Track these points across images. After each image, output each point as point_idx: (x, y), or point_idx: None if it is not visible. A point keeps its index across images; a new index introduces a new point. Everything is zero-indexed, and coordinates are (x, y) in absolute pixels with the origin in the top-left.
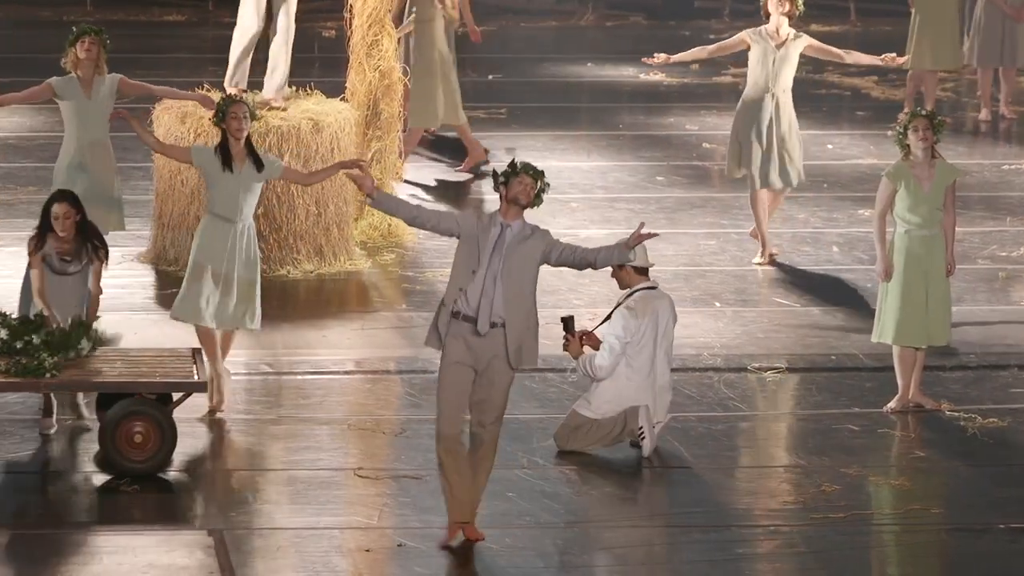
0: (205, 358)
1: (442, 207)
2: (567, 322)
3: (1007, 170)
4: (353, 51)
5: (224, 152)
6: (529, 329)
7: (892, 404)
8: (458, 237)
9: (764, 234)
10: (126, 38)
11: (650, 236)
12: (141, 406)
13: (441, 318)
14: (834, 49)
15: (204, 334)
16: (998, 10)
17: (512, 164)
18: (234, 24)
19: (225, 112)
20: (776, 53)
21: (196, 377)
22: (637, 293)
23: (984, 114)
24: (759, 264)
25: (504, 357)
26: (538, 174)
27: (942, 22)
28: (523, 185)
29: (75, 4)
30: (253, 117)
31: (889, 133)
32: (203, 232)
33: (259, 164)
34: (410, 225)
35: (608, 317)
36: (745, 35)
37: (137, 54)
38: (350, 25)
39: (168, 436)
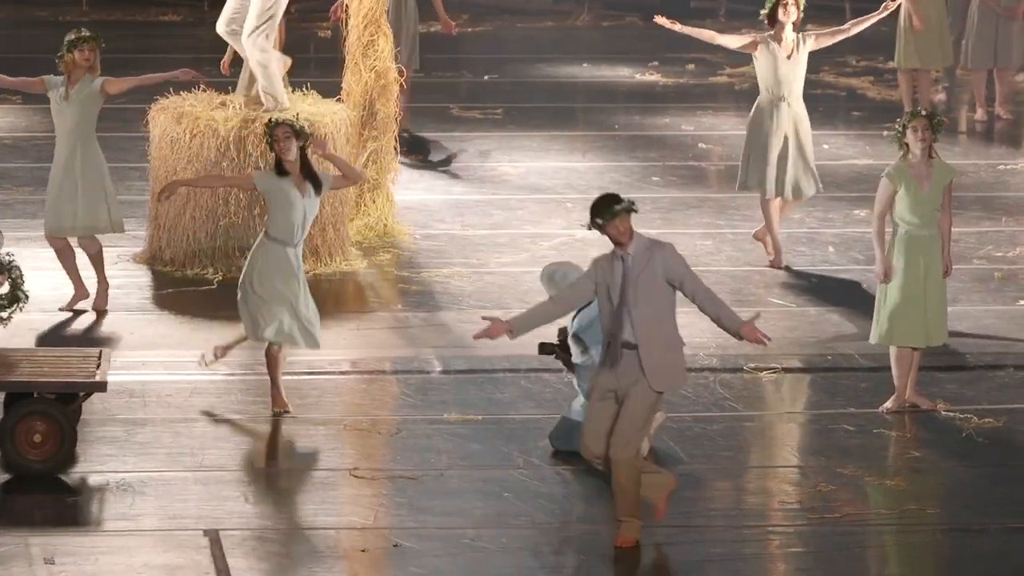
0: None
1: (568, 286)
2: (546, 348)
3: (1002, 170)
4: (349, 51)
5: (282, 174)
6: (671, 349)
7: (888, 404)
8: (598, 293)
9: (777, 241)
10: (122, 38)
11: (762, 342)
12: (40, 406)
13: (602, 367)
14: (837, 30)
15: (271, 355)
16: (992, 11)
17: (596, 209)
18: None
19: (272, 135)
20: (787, 62)
21: (97, 377)
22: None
23: (979, 114)
24: (771, 266)
25: (643, 380)
26: (614, 211)
27: (929, 21)
28: (614, 228)
29: (71, 4)
30: (299, 136)
31: (886, 133)
32: (269, 258)
33: (316, 184)
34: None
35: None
36: (757, 40)
37: (133, 54)
38: (346, 25)
39: (68, 436)
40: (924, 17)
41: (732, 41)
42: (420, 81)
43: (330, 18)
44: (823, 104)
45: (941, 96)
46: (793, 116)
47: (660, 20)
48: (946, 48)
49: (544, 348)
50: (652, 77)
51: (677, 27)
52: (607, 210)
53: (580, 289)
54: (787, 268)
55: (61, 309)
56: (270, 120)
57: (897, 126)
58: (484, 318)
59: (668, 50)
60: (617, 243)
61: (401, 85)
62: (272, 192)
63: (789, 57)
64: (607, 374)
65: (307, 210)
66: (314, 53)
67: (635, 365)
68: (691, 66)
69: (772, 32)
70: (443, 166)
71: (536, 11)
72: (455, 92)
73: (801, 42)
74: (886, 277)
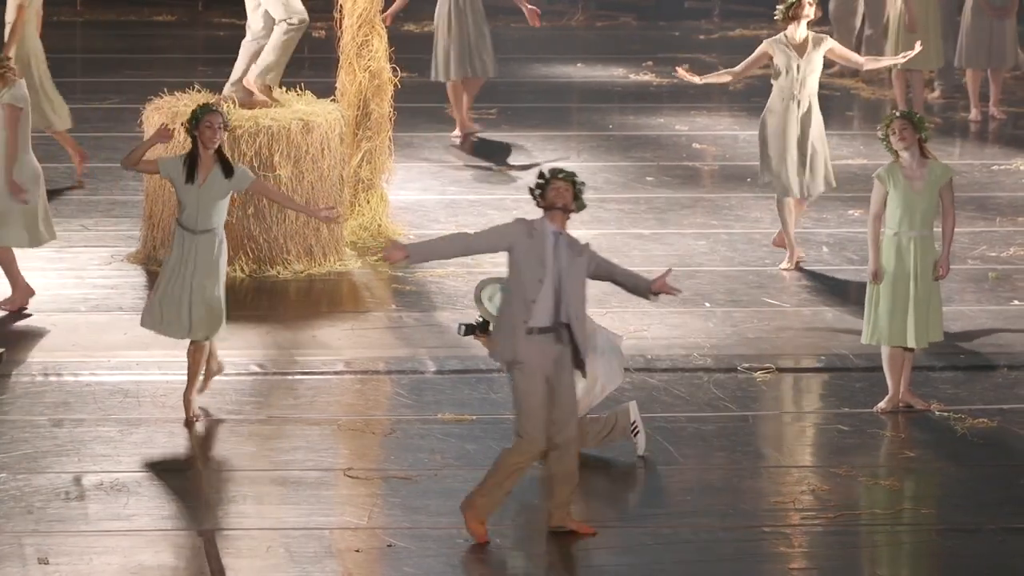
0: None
1: (478, 229)
2: (469, 328)
3: (996, 170)
4: (343, 51)
5: (191, 162)
6: (587, 338)
7: (882, 404)
8: (508, 251)
9: (791, 241)
10: (116, 38)
11: (673, 292)
12: None
13: (507, 333)
14: (854, 56)
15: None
16: (984, 11)
17: (541, 174)
18: (223, 25)
19: (199, 120)
20: (800, 60)
21: None
22: None
23: (974, 115)
24: (786, 270)
25: (571, 359)
26: (569, 176)
27: (923, 22)
28: (558, 190)
29: (65, 4)
30: (226, 128)
31: (880, 134)
32: (174, 242)
33: (228, 171)
34: (461, 257)
35: None
36: (766, 46)
37: (127, 54)
38: (340, 25)
39: None
40: (916, 18)
41: (749, 65)
42: (416, 82)
43: (385, 22)
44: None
45: (935, 95)
46: (808, 115)
47: (681, 72)
48: (937, 49)
49: (467, 329)
50: (646, 77)
51: (697, 80)
52: (555, 170)
53: (491, 240)
54: (798, 266)
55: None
56: (200, 105)
57: (879, 134)
58: (388, 240)
59: (662, 50)
60: (550, 207)
61: (396, 85)
62: (173, 177)
63: (802, 55)
64: (535, 356)
65: (202, 197)
66: (308, 53)
67: (566, 343)
68: (685, 66)
69: (786, 31)
70: (439, 167)
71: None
72: None
73: (815, 43)
74: (878, 278)
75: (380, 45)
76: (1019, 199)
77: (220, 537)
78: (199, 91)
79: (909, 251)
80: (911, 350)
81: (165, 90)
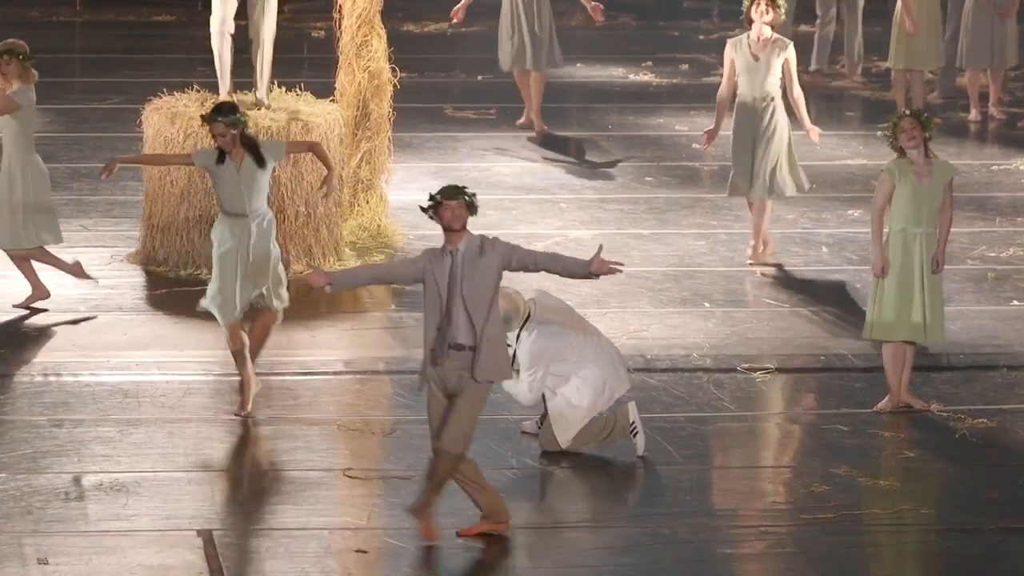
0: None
1: (400, 259)
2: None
3: (996, 170)
4: (342, 52)
5: (221, 151)
6: (498, 344)
7: (882, 404)
8: (422, 282)
9: (758, 235)
10: (115, 38)
11: (616, 271)
12: None
13: (425, 362)
14: (795, 78)
15: (233, 334)
16: (986, 11)
17: (431, 196)
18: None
19: (210, 131)
20: (755, 62)
21: None
22: (530, 313)
23: (973, 114)
24: (752, 264)
25: (469, 375)
26: (457, 191)
27: (922, 22)
28: (449, 210)
29: (64, 4)
30: (236, 124)
31: (879, 134)
32: (216, 230)
33: (260, 160)
34: (378, 285)
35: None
36: (728, 51)
37: (127, 55)
38: (339, 26)
39: None
40: (917, 18)
41: (726, 80)
42: (414, 81)
43: (451, 19)
44: (816, 104)
45: (934, 95)
46: (768, 116)
47: (705, 147)
48: (939, 48)
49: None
50: (646, 77)
51: (716, 134)
52: (447, 190)
53: (405, 270)
54: (779, 266)
55: (15, 306)
56: (204, 115)
57: (887, 131)
58: (309, 265)
59: (661, 50)
60: (447, 230)
61: (394, 86)
62: (209, 167)
63: (757, 59)
64: (433, 370)
65: (243, 182)
66: (308, 53)
67: (465, 363)
68: (685, 66)
69: (749, 32)
70: (435, 168)
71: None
72: (449, 92)
73: (774, 47)
74: (883, 272)
75: (379, 45)
76: (1019, 199)
77: (219, 537)
78: (198, 91)
79: (916, 248)
80: (913, 346)
81: (164, 90)
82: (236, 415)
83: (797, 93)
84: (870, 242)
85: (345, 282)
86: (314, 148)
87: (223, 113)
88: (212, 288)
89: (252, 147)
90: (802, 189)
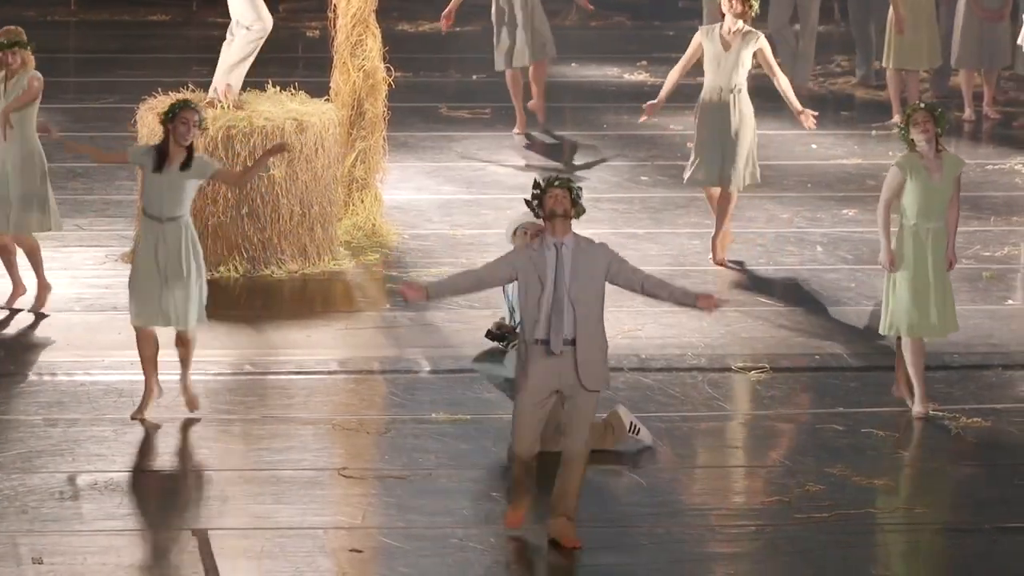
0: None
1: (491, 260)
2: (492, 335)
3: (991, 170)
4: (337, 51)
5: (161, 152)
6: (600, 350)
7: (918, 408)
8: (516, 279)
9: (722, 234)
10: (110, 38)
11: (719, 306)
12: None
13: (521, 354)
14: (774, 66)
15: (141, 336)
16: (975, 12)
17: (536, 183)
18: (217, 24)
19: (176, 114)
20: (724, 53)
21: None
22: None
23: (967, 114)
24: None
25: (578, 378)
26: (564, 182)
27: (917, 21)
28: (555, 198)
29: (60, 4)
30: (201, 127)
31: (874, 133)
32: (139, 232)
33: (188, 164)
34: (476, 291)
35: None
36: (698, 36)
37: (122, 54)
38: (334, 25)
39: None
40: (906, 18)
41: (688, 59)
42: (408, 81)
43: (442, 24)
44: (811, 104)
45: (927, 96)
46: (734, 108)
47: (644, 116)
48: (934, 47)
49: (491, 335)
50: (640, 76)
51: (661, 103)
52: (550, 178)
53: (498, 272)
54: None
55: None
56: (180, 100)
57: (899, 123)
58: (403, 283)
59: (656, 50)
60: (551, 217)
61: (389, 85)
62: (143, 165)
63: (727, 49)
64: (543, 373)
65: (167, 186)
66: (302, 53)
67: (571, 362)
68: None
69: (720, 24)
70: (432, 167)
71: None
72: (444, 92)
73: (746, 39)
74: (893, 266)
75: (374, 45)
76: (1013, 199)
77: (214, 536)
78: (193, 91)
79: (928, 242)
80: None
81: (159, 90)
82: (132, 418)
83: (782, 80)
84: (879, 236)
85: (442, 292)
86: (241, 185)
87: (193, 105)
88: (132, 293)
89: (189, 152)
90: (756, 181)
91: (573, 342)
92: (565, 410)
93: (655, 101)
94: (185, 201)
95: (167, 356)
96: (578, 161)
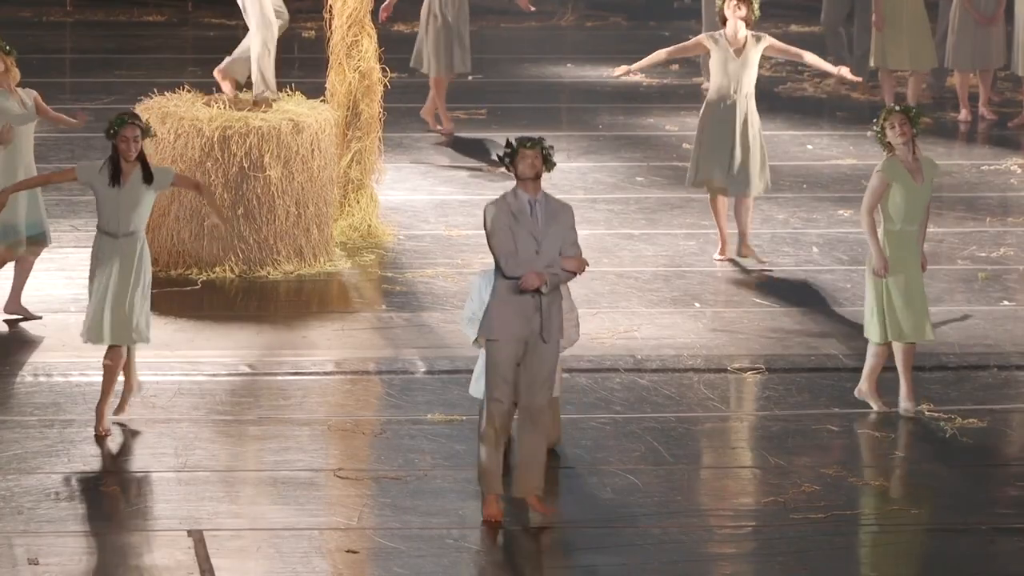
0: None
1: (494, 240)
2: None
3: (986, 171)
4: (333, 52)
5: (114, 166)
6: (557, 303)
7: (907, 406)
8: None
9: (724, 233)
10: (106, 38)
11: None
12: None
13: (493, 307)
14: (793, 49)
15: (109, 353)
16: (971, 16)
17: (508, 143)
18: (213, 25)
19: (116, 132)
20: (735, 59)
21: None
22: None
23: (963, 115)
24: (719, 260)
25: (540, 330)
26: (536, 143)
27: (911, 22)
28: (527, 159)
29: (55, 4)
30: (146, 134)
31: (869, 134)
32: (94, 248)
33: (148, 177)
34: None
35: None
36: (704, 39)
37: (117, 54)
38: (330, 26)
39: None
40: (884, 16)
41: (682, 49)
42: (405, 81)
43: (382, 17)
44: (807, 105)
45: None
46: (743, 113)
47: (615, 73)
48: (926, 49)
49: None
50: (636, 77)
51: (632, 69)
52: (522, 139)
53: (506, 241)
54: (731, 260)
55: None
56: (119, 115)
57: (875, 126)
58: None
59: (652, 50)
60: (523, 179)
61: (385, 86)
62: (93, 183)
63: (738, 54)
64: (515, 320)
65: (124, 201)
66: (298, 54)
67: (537, 310)
68: (675, 67)
69: (724, 29)
70: (430, 167)
71: (520, 11)
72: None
73: (753, 41)
74: (885, 270)
75: (370, 45)
76: (1008, 199)
77: (210, 537)
78: (189, 91)
79: (910, 245)
80: (913, 346)
81: (155, 90)
82: (115, 413)
83: (807, 56)
84: (869, 242)
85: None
86: (200, 189)
87: (135, 118)
88: (87, 310)
89: (144, 163)
90: (768, 189)
91: (539, 291)
92: (525, 363)
93: (631, 67)
94: (144, 215)
95: (157, 356)
96: (573, 161)
